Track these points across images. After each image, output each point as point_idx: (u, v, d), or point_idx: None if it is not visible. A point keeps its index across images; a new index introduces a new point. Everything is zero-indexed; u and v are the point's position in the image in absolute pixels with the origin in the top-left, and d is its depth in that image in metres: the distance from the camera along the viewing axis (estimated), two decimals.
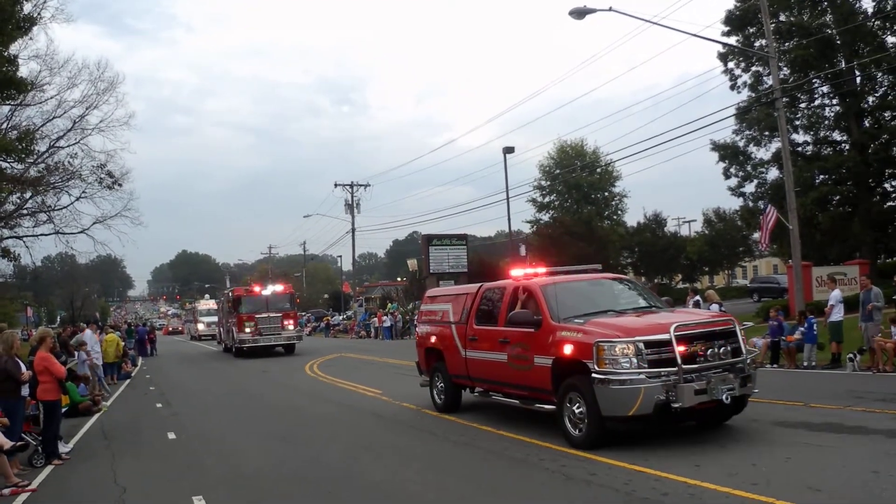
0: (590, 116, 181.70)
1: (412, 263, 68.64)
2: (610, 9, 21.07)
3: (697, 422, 9.96)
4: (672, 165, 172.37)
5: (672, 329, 9.01)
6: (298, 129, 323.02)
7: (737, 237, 52.55)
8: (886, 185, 37.41)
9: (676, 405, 8.70)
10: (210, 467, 10.31)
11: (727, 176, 39.99)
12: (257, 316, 32.81)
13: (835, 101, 37.16)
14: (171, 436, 13.04)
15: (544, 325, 10.27)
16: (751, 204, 40.03)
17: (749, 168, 39.26)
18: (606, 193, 60.23)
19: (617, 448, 9.11)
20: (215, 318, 50.61)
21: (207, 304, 66.09)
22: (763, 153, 38.65)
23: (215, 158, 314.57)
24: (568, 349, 9.61)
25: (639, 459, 8.59)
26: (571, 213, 56.73)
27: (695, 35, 23.44)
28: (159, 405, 17.90)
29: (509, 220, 47.00)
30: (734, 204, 45.25)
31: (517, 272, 12.25)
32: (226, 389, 21.15)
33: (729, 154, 39.23)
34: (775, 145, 36.26)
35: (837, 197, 37.19)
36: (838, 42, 34.48)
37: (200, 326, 60.55)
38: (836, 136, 38.35)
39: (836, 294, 17.56)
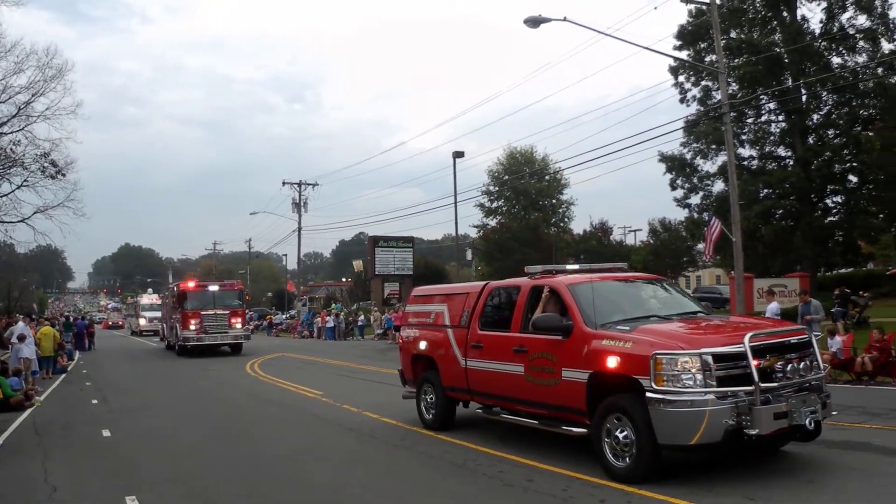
0: (542, 124, 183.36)
1: (357, 264, 68.56)
2: (564, 18, 21.29)
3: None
4: (620, 175, 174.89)
5: (747, 340, 7.58)
6: (249, 125, 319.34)
7: (681, 247, 53.43)
8: (828, 201, 38.67)
9: (752, 432, 7.32)
10: (145, 466, 10.07)
11: (674, 187, 40.90)
12: (203, 313, 31.39)
13: (780, 118, 38.22)
14: (106, 433, 12.72)
15: (576, 332, 8.66)
16: (696, 215, 40.93)
17: (695, 180, 40.19)
18: (554, 200, 60.92)
19: (558, 454, 9.10)
20: (158, 314, 49.43)
21: (150, 298, 64.41)
22: (709, 166, 39.71)
23: (164, 152, 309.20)
24: (612, 362, 8.08)
25: (578, 466, 8.61)
26: (519, 218, 57.20)
27: (647, 48, 23.89)
28: (95, 401, 17.45)
29: (456, 224, 46.85)
30: (680, 215, 46.12)
31: (533, 269, 10.57)
32: (165, 387, 20.71)
33: (676, 166, 40.07)
34: (721, 159, 37.21)
35: (780, 211, 38.25)
36: (786, 60, 35.47)
37: (142, 322, 58.90)
38: (781, 151, 39.50)
39: (772, 307, 17.94)
